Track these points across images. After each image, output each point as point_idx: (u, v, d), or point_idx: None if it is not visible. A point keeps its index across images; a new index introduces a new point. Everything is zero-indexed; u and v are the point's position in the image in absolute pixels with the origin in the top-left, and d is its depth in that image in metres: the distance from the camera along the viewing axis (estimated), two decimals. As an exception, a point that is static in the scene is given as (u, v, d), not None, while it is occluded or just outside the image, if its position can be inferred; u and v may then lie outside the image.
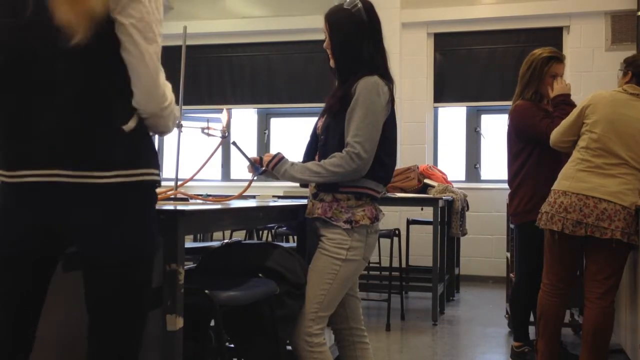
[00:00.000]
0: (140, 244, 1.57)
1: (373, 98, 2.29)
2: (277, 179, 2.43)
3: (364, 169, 2.29)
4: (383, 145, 2.34)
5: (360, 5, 2.38)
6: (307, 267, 2.41)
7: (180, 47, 2.51)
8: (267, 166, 2.39)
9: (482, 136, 7.29)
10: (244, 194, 2.65)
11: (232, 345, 2.61)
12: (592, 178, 3.09)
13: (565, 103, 3.50)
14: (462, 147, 7.35)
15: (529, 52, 3.75)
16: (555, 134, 3.33)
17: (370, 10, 2.40)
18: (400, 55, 6.94)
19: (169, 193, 2.29)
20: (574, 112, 3.27)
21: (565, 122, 3.29)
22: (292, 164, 2.37)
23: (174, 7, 7.90)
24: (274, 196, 4.47)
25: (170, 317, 1.71)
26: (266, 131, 7.90)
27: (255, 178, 2.54)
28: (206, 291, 1.90)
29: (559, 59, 3.66)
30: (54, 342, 2.32)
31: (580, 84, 6.48)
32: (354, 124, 2.28)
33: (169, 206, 1.94)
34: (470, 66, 7.14)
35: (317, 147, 2.46)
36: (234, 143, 2.45)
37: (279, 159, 2.38)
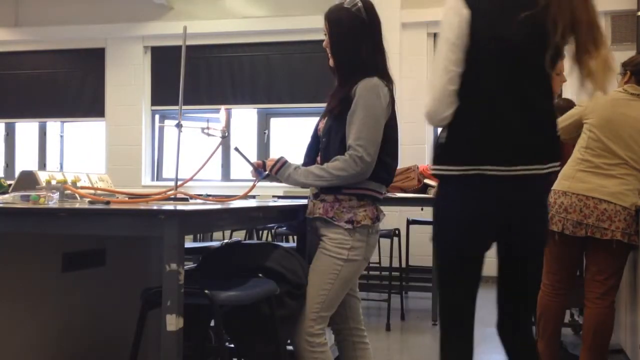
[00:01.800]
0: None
1: (373, 100, 2.30)
2: (280, 182, 2.43)
3: (367, 172, 2.29)
4: (385, 146, 2.35)
5: (360, 4, 2.38)
6: (308, 267, 2.41)
7: (180, 47, 2.51)
8: (270, 171, 2.40)
9: (482, 136, 7.28)
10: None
11: (232, 345, 2.60)
12: (592, 178, 3.09)
13: None
14: (462, 147, 7.33)
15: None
16: None
17: (370, 10, 2.40)
18: (400, 55, 6.94)
19: (169, 193, 2.29)
20: (575, 113, 3.28)
21: (564, 121, 3.30)
22: (296, 167, 2.37)
23: (174, 7, 7.90)
24: (274, 196, 4.47)
25: (170, 317, 1.71)
26: (266, 131, 7.90)
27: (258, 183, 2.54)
28: (206, 291, 1.90)
29: (561, 55, 3.66)
30: (54, 342, 2.32)
31: (580, 84, 6.45)
32: (355, 127, 2.28)
33: (169, 206, 1.94)
34: (470, 66, 7.13)
35: (318, 148, 2.46)
36: (237, 149, 2.45)
37: (282, 163, 2.38)
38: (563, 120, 3.33)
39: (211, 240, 5.22)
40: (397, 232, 4.95)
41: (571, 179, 3.15)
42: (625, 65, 3.30)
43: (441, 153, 2.02)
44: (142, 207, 1.89)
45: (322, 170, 2.30)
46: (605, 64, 1.92)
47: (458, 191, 2.00)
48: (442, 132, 2.03)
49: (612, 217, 3.01)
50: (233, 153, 8.01)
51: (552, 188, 3.23)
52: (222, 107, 2.57)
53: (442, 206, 2.09)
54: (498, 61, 1.93)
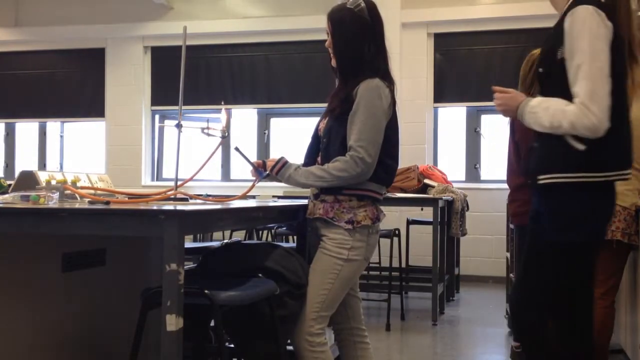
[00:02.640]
0: None
1: (375, 101, 2.30)
2: (281, 182, 2.42)
3: (368, 173, 2.29)
4: (385, 148, 2.35)
5: (363, 5, 2.38)
6: (308, 267, 2.41)
7: (180, 47, 2.51)
8: (271, 171, 2.39)
9: (482, 136, 7.29)
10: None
11: (232, 345, 2.60)
12: (592, 178, 3.09)
13: None
14: (462, 147, 7.34)
15: (529, 52, 3.74)
16: None
17: (373, 11, 2.40)
18: (400, 55, 6.94)
19: (169, 193, 2.29)
20: None
21: None
22: (296, 168, 2.37)
23: (174, 7, 7.90)
24: (274, 196, 4.47)
25: (170, 317, 1.71)
26: (266, 131, 7.90)
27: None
28: (206, 291, 1.90)
29: None
30: (55, 342, 2.32)
31: (580, 84, 6.46)
32: (356, 128, 2.28)
33: (169, 206, 1.94)
34: (470, 66, 7.14)
35: (319, 148, 2.46)
36: (237, 148, 2.45)
37: (283, 163, 2.38)
38: None
39: (211, 240, 5.23)
40: (397, 232, 4.95)
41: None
42: None
43: (582, 161, 2.13)
44: (142, 207, 1.89)
45: (323, 171, 2.30)
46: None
47: (599, 195, 2.18)
48: (567, 138, 2.14)
49: (612, 217, 3.00)
50: (233, 153, 8.01)
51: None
52: (223, 106, 2.57)
53: (586, 210, 2.18)
54: (622, 74, 2.13)
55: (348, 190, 2.33)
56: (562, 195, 2.17)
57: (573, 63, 2.10)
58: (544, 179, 2.20)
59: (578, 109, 2.07)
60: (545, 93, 2.24)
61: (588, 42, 2.07)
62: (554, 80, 2.20)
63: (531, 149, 2.34)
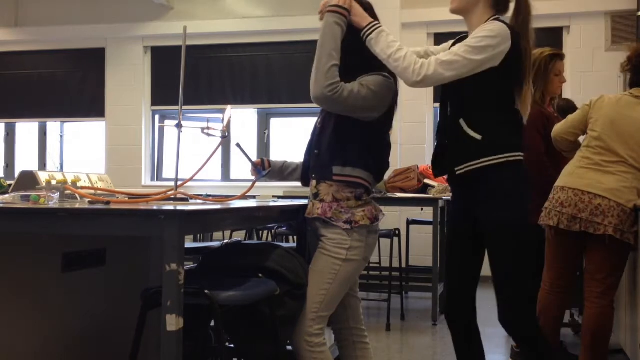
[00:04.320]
0: None
1: (381, 81, 2.34)
2: (278, 180, 2.42)
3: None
4: (382, 152, 2.37)
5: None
6: (308, 267, 2.41)
7: (180, 47, 2.51)
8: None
9: (482, 136, 7.29)
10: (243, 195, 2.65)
11: (232, 345, 2.61)
12: (590, 174, 3.11)
13: None
14: (462, 147, 7.33)
15: (529, 52, 3.75)
16: (558, 128, 3.37)
17: (370, 11, 2.41)
18: (400, 55, 6.94)
19: (169, 193, 2.29)
20: (580, 111, 3.31)
21: (570, 118, 3.33)
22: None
23: (174, 7, 7.90)
24: (274, 196, 4.47)
25: (170, 317, 1.71)
26: (266, 131, 7.90)
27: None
28: (206, 291, 1.90)
29: (560, 56, 3.68)
30: (55, 342, 2.33)
31: (581, 84, 6.47)
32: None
33: (169, 206, 1.95)
34: (470, 66, 7.13)
35: None
36: (238, 145, 2.45)
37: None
38: (567, 120, 3.35)
39: (211, 240, 5.23)
40: (397, 232, 4.95)
41: (570, 175, 3.18)
42: (622, 65, 3.34)
43: (481, 148, 2.39)
44: (142, 207, 1.89)
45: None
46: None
47: (509, 176, 2.46)
48: (468, 131, 2.40)
49: (606, 213, 3.01)
50: (233, 153, 8.02)
51: (554, 185, 3.25)
52: (228, 107, 2.57)
53: (524, 187, 2.52)
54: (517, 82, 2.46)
55: (338, 176, 2.32)
56: (479, 180, 2.40)
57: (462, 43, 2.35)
58: (460, 169, 2.42)
59: (426, 62, 2.30)
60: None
61: (484, 41, 2.33)
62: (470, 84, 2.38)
63: (440, 146, 2.55)
